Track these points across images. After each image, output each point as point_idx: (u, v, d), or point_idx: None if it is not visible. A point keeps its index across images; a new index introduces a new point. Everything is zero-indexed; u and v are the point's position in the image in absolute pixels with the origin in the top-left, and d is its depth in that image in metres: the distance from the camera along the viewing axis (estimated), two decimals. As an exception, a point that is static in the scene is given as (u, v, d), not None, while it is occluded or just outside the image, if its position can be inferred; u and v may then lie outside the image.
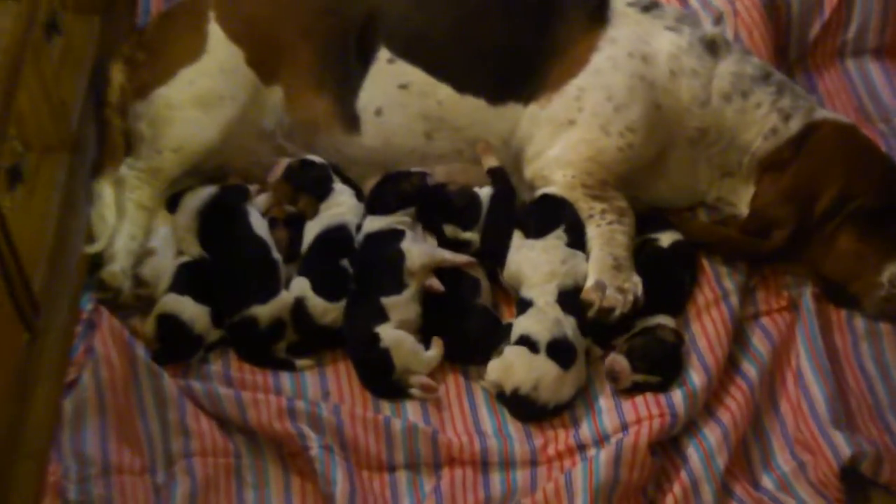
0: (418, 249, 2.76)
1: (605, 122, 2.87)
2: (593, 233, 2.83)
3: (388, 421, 2.63)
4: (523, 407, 2.65)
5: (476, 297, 2.79)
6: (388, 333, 2.67)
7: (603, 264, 2.78)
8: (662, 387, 2.70)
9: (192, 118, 2.89)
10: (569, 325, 2.69)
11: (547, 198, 2.88)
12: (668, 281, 2.85)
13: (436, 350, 2.72)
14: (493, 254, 2.85)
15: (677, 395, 2.68)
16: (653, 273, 2.82)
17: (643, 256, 2.86)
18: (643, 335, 2.73)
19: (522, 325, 2.70)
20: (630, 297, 2.74)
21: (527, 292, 2.74)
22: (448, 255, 2.80)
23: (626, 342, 2.73)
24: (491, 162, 2.92)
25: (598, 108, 2.87)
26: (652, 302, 2.79)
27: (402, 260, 2.74)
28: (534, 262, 2.76)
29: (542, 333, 2.66)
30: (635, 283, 2.77)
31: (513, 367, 2.65)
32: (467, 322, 2.76)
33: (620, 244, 2.82)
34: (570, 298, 2.73)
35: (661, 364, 2.69)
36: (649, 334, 2.73)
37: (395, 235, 2.79)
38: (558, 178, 2.87)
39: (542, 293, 2.72)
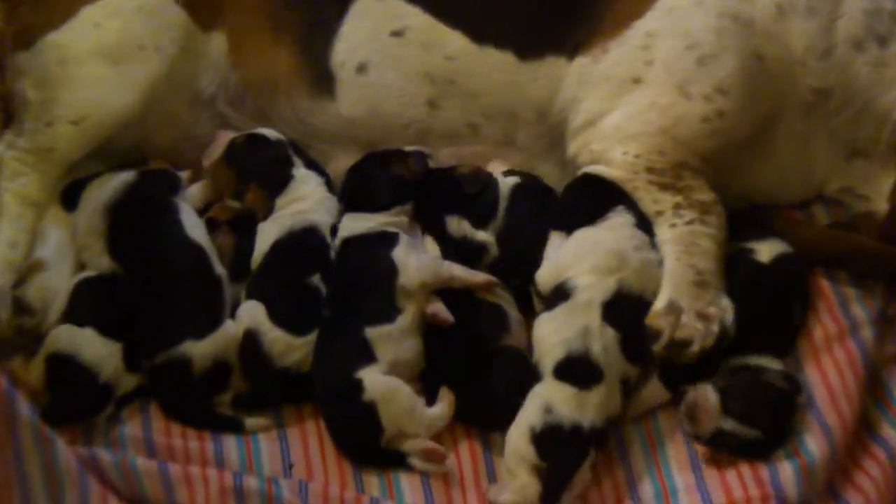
0: (417, 261, 2.51)
1: (684, 80, 2.58)
2: (666, 236, 2.55)
3: (375, 505, 2.48)
4: (554, 444, 2.35)
5: (501, 333, 2.52)
6: (374, 380, 2.41)
7: (680, 279, 2.49)
8: (761, 449, 2.43)
9: (99, 77, 2.65)
10: (599, 341, 2.41)
11: (588, 180, 2.62)
12: (769, 309, 2.55)
13: (442, 406, 2.45)
14: (516, 265, 2.59)
15: (786, 470, 2.41)
16: (748, 298, 2.53)
17: (734, 275, 2.58)
18: (745, 373, 2.48)
19: (540, 331, 2.45)
20: (714, 328, 2.44)
21: (575, 277, 2.47)
22: (459, 271, 2.52)
23: (722, 377, 2.47)
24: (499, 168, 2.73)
25: (674, 60, 2.60)
26: (747, 338, 2.50)
27: (393, 275, 2.49)
28: (595, 239, 2.51)
29: (553, 350, 2.40)
30: (724, 309, 2.47)
31: (518, 438, 2.37)
32: (489, 369, 2.48)
33: (705, 252, 2.52)
34: (624, 309, 2.45)
35: (764, 414, 2.43)
36: (752, 374, 2.47)
37: (385, 240, 2.55)
38: (615, 155, 2.60)
39: (593, 283, 2.44)
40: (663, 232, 2.56)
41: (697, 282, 2.49)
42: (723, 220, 2.59)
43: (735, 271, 2.60)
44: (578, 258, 2.52)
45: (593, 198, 2.61)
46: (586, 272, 2.49)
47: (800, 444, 2.44)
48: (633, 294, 2.49)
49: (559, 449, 2.40)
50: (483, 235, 2.62)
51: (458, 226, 2.62)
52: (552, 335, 2.46)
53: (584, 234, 2.55)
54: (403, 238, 2.54)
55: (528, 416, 2.40)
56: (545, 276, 2.57)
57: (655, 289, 2.52)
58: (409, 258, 2.51)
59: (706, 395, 2.44)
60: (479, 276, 2.54)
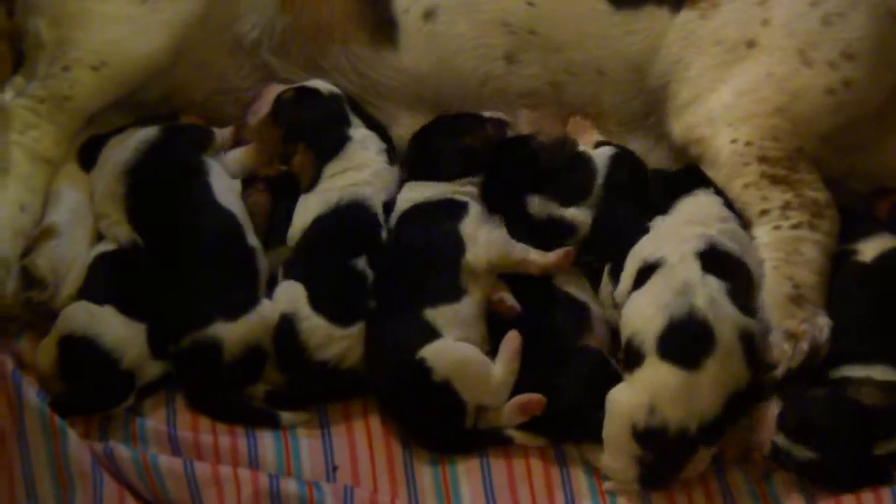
0: (487, 236, 2.43)
1: (805, 43, 2.50)
2: (766, 239, 2.49)
3: (433, 517, 2.45)
4: (658, 444, 2.30)
5: (581, 331, 2.46)
6: (440, 356, 2.35)
7: (774, 292, 2.42)
8: (829, 473, 2.36)
9: (124, 15, 2.59)
10: (703, 290, 2.35)
11: (688, 173, 2.57)
12: (875, 313, 2.47)
13: (503, 363, 2.36)
14: (608, 242, 2.51)
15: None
16: (847, 303, 2.46)
17: (833, 279, 2.54)
18: (823, 388, 2.41)
19: (632, 307, 2.38)
20: (804, 346, 2.37)
21: (658, 250, 2.44)
22: (535, 255, 2.45)
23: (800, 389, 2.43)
24: (592, 137, 2.64)
25: (794, 19, 2.52)
26: (849, 348, 2.42)
27: (459, 251, 2.42)
28: (670, 222, 2.48)
29: (652, 321, 2.33)
30: (820, 328, 2.40)
31: (619, 433, 2.32)
32: (563, 372, 2.41)
33: (808, 262, 2.45)
34: (723, 261, 2.40)
35: (822, 436, 2.37)
36: (831, 389, 2.40)
37: (454, 210, 2.49)
38: (722, 144, 2.50)
39: (679, 245, 2.40)
40: (764, 234, 2.50)
41: (793, 297, 2.43)
42: (835, 225, 2.51)
43: (834, 274, 2.53)
44: (660, 241, 2.47)
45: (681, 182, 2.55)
46: (667, 239, 2.46)
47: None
48: (728, 250, 2.43)
49: (664, 448, 2.35)
50: (573, 213, 2.55)
51: (540, 206, 2.56)
52: (647, 306, 2.41)
53: (660, 223, 2.50)
54: (474, 208, 2.47)
55: (629, 411, 2.35)
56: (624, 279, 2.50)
57: (751, 260, 2.45)
58: (479, 232, 2.44)
59: (768, 406, 2.40)
60: (553, 256, 2.47)
